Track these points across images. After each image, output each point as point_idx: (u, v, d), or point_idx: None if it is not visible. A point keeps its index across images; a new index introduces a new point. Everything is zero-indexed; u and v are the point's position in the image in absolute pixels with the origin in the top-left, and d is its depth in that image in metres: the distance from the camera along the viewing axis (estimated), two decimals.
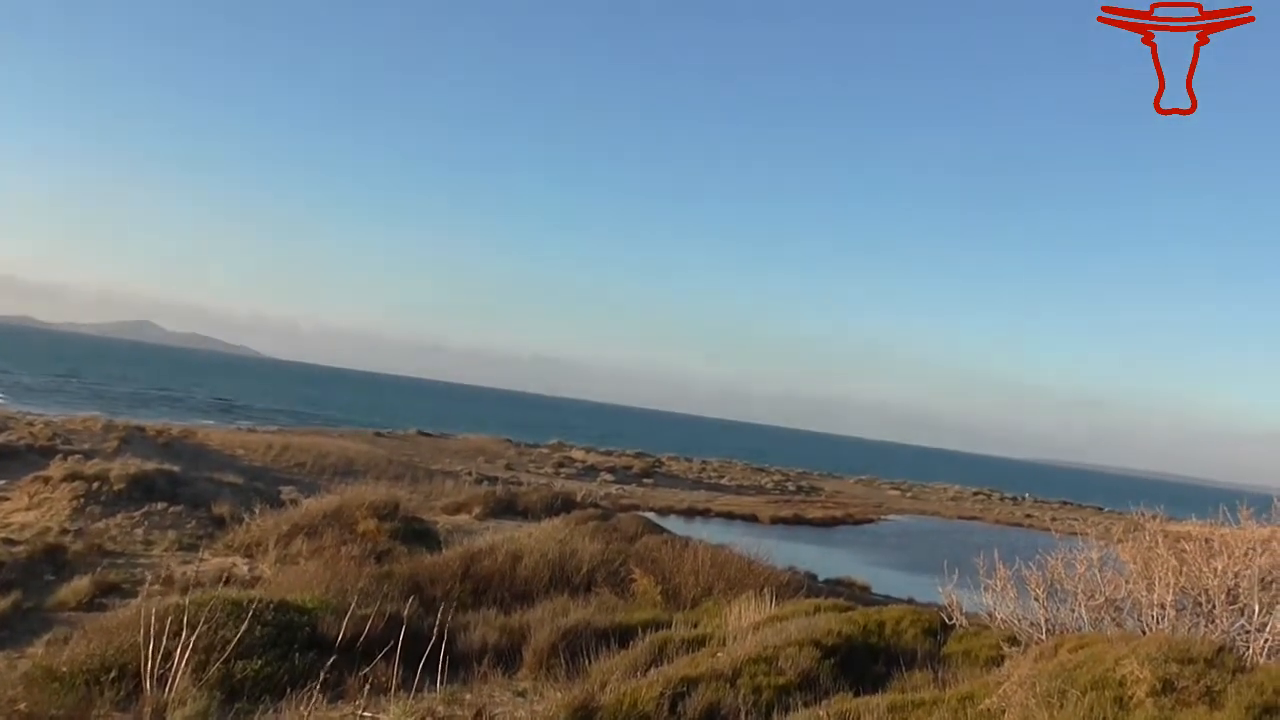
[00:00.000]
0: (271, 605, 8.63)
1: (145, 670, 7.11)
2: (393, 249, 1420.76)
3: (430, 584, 11.68)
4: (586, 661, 8.51)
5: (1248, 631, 7.84)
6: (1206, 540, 8.98)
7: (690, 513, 45.44)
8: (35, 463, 22.92)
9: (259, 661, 7.83)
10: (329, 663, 7.67)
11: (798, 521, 48.29)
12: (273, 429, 54.83)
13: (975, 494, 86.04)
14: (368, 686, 7.55)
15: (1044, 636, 8.43)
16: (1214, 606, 8.11)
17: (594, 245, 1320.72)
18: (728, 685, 7.32)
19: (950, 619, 9.55)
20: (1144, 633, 7.89)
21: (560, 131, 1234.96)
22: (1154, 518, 9.87)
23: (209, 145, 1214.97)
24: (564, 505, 25.30)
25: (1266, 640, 7.60)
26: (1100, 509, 75.37)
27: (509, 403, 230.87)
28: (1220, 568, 8.24)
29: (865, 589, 24.10)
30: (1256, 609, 7.86)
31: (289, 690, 7.38)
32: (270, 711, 7.22)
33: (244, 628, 7.80)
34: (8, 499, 18.27)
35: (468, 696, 7.86)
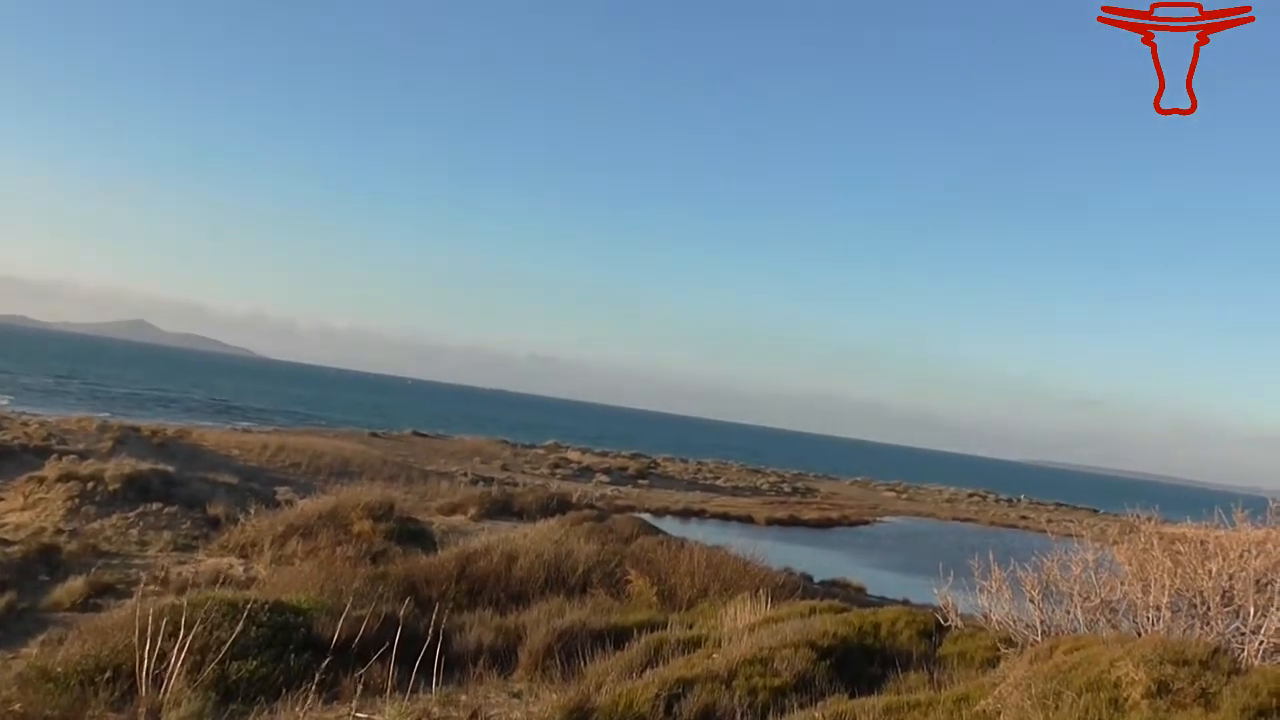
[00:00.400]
0: (266, 606, 8.61)
1: (140, 671, 7.11)
2: (391, 249, 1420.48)
3: (425, 585, 11.67)
4: (582, 662, 8.50)
5: (1243, 633, 7.86)
6: (1202, 542, 9.00)
7: (686, 514, 45.41)
8: (30, 463, 22.83)
9: (254, 662, 7.82)
10: (324, 664, 7.65)
11: (793, 523, 48.28)
12: (268, 429, 54.73)
13: (970, 495, 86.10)
14: (363, 687, 7.54)
15: (1039, 638, 8.45)
16: (1209, 608, 8.13)
17: (594, 245, 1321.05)
18: (723, 686, 7.32)
19: (946, 620, 9.56)
20: (1139, 634, 7.90)
21: (561, 131, 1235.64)
22: (1149, 520, 9.90)
23: (207, 145, 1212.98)
24: (559, 506, 25.24)
25: (1261, 642, 7.61)
26: (1095, 511, 75.34)
27: (504, 403, 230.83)
28: (1215, 570, 8.26)
29: (861, 590, 24.10)
30: (1251, 611, 7.87)
31: (284, 691, 7.38)
32: (265, 712, 7.21)
33: (239, 628, 7.80)
34: (2, 499, 18.22)
35: (463, 698, 7.85)
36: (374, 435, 56.97)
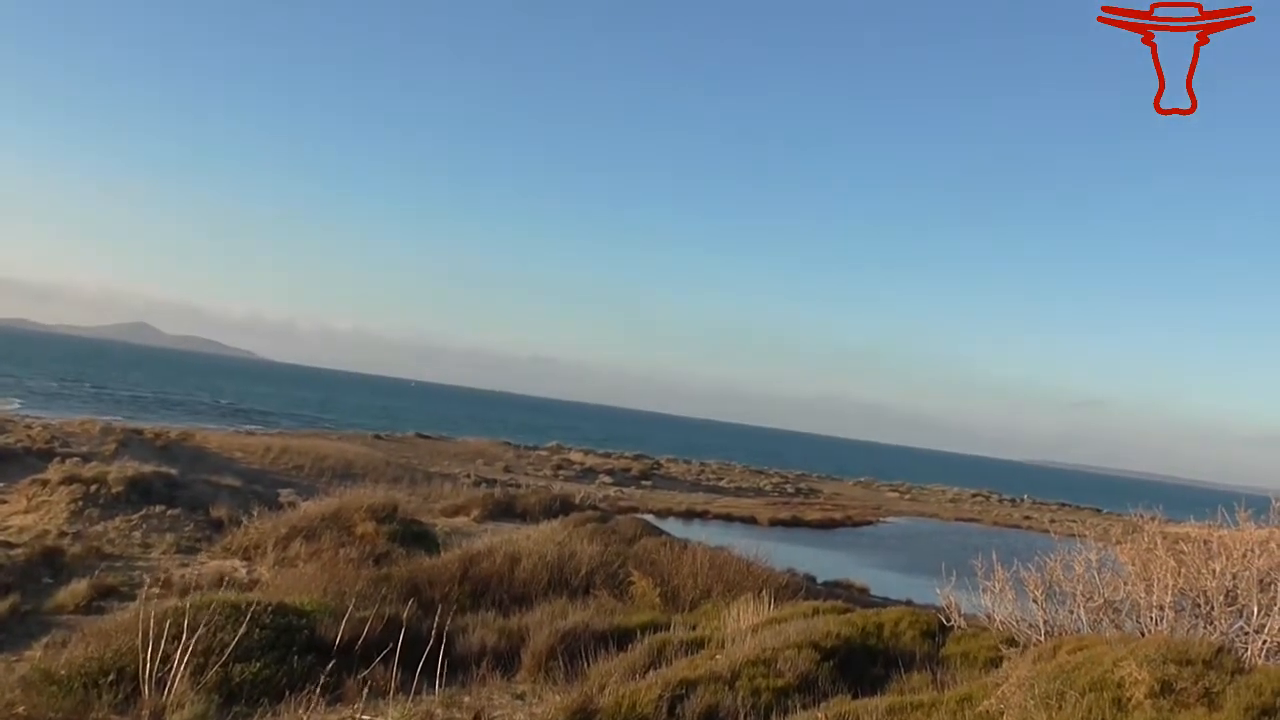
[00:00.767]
0: (270, 608, 8.62)
1: (143, 673, 7.12)
2: (391, 249, 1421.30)
3: (429, 586, 11.67)
4: (585, 664, 8.50)
5: (1246, 633, 7.85)
6: (1205, 542, 8.99)
7: (689, 515, 45.46)
8: (33, 466, 22.93)
9: (257, 664, 7.82)
10: (328, 666, 7.67)
11: (796, 523, 48.30)
12: (273, 432, 54.81)
13: (973, 496, 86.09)
14: (366, 689, 7.55)
15: (1042, 638, 8.43)
16: (1212, 608, 8.12)
17: (594, 245, 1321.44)
18: (726, 687, 7.32)
19: (949, 621, 9.55)
20: (1143, 634, 7.90)
21: (561, 131, 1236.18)
22: (1152, 519, 9.86)
23: (207, 145, 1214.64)
24: (562, 507, 25.27)
25: (1265, 642, 7.61)
26: (1098, 510, 75.37)
27: (507, 405, 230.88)
28: (1218, 569, 8.25)
29: (864, 591, 24.13)
30: (1255, 610, 7.86)
31: (287, 693, 7.38)
32: (269, 714, 7.22)
33: (242, 631, 7.80)
34: (5, 502, 18.27)
35: (466, 699, 7.85)
36: (377, 437, 57.05)
